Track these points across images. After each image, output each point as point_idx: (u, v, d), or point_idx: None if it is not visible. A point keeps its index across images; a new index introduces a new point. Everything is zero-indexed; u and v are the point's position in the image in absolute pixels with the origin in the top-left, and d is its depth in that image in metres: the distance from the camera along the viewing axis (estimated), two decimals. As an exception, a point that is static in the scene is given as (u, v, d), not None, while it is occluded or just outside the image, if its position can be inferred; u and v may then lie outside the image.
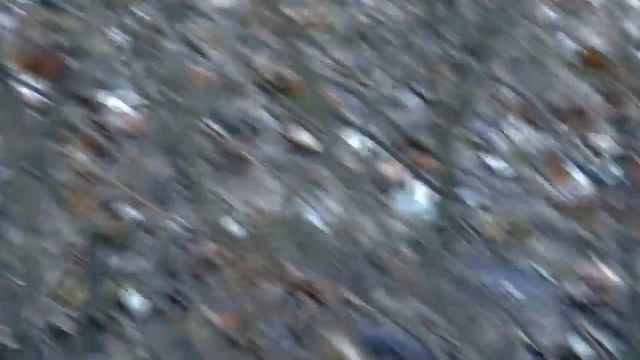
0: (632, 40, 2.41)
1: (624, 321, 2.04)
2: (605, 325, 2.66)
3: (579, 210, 3.13)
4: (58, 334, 2.05)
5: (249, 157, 2.78)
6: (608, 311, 2.63)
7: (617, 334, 2.09)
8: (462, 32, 2.22)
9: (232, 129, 2.96)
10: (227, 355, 2.05)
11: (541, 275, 3.04)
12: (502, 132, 3.30)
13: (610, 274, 2.78)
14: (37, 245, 1.85)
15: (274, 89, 2.81)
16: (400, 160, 2.66)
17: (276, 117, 3.07)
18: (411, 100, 3.04)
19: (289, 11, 2.14)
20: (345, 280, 2.08)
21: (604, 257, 2.86)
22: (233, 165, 2.71)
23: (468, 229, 2.79)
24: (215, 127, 2.75)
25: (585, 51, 3.62)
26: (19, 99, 1.97)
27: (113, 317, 2.14)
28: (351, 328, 2.18)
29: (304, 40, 2.23)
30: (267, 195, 2.47)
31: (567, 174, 3.24)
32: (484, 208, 3.13)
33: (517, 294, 3.02)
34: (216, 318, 2.09)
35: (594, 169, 3.10)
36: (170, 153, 2.16)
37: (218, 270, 2.14)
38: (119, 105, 3.11)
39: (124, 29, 2.33)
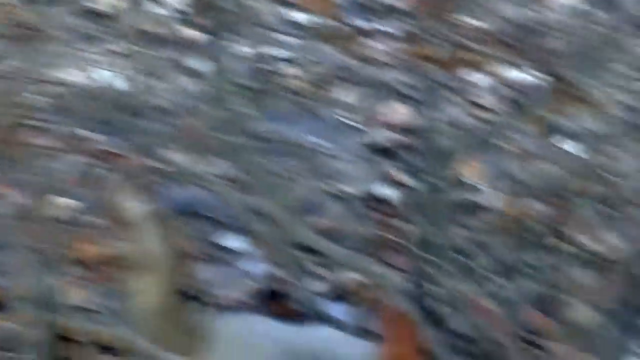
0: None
1: (424, 160, 2.09)
2: (408, 167, 2.77)
3: (378, 59, 3.16)
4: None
5: (44, 26, 2.49)
6: (410, 152, 2.70)
7: (418, 173, 2.15)
8: None
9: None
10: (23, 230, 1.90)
11: (347, 124, 3.06)
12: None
13: (409, 117, 2.86)
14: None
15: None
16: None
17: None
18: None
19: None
20: (143, 145, 1.98)
21: (405, 101, 2.93)
22: (27, 35, 2.44)
23: (274, 84, 2.73)
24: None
25: None
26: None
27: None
28: (153, 192, 2.09)
29: None
30: (65, 65, 2.32)
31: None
32: (289, 61, 3.06)
33: (324, 144, 3.05)
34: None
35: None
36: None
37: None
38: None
39: None
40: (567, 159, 2.90)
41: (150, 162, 2.05)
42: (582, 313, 2.40)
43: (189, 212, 2.76)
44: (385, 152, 3.21)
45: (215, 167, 3.10)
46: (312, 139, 3.31)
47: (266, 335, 1.82)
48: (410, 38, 2.97)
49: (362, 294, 2.27)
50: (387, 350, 1.78)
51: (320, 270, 2.59)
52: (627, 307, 2.22)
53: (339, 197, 2.54)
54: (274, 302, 2.35)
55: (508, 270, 2.17)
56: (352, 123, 3.10)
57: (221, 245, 2.66)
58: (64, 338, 1.79)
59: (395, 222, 2.69)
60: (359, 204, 2.94)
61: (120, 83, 2.16)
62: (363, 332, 2.24)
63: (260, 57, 2.91)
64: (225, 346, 1.75)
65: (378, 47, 3.27)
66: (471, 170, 3.17)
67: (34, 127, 1.96)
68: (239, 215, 2.13)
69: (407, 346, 1.75)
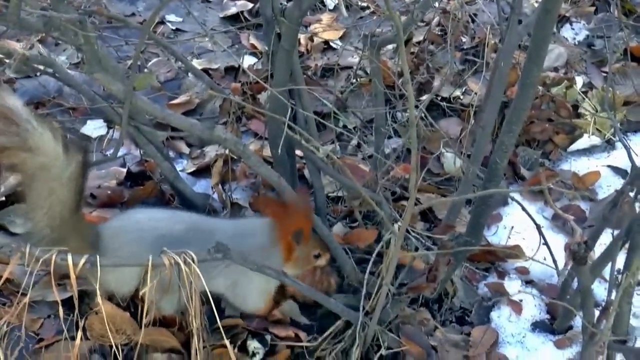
0: None
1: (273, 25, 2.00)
2: (260, 32, 2.66)
3: None
4: None
5: None
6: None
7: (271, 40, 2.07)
8: None
9: None
10: None
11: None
12: None
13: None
14: None
15: None
16: None
17: None
18: None
19: None
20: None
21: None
22: None
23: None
24: None
25: None
26: None
27: None
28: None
29: None
30: None
31: None
32: None
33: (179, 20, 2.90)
34: None
35: None
36: None
37: None
38: None
39: None
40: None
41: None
42: (448, 161, 2.48)
43: (43, 101, 2.63)
44: (237, 18, 3.14)
45: (63, 53, 2.96)
46: (170, 17, 3.18)
47: (145, 223, 1.82)
48: None
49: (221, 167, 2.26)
50: (281, 218, 1.81)
51: (183, 148, 2.54)
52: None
53: (199, 73, 2.45)
54: (141, 184, 2.30)
55: (374, 128, 2.18)
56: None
57: (83, 134, 2.56)
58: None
59: (253, 90, 2.64)
60: (218, 76, 2.87)
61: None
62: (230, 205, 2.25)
63: None
64: (110, 240, 1.76)
65: None
66: (332, 34, 3.13)
67: None
68: (94, 101, 2.01)
69: (300, 213, 1.81)
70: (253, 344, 1.89)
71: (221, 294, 1.88)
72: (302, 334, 1.92)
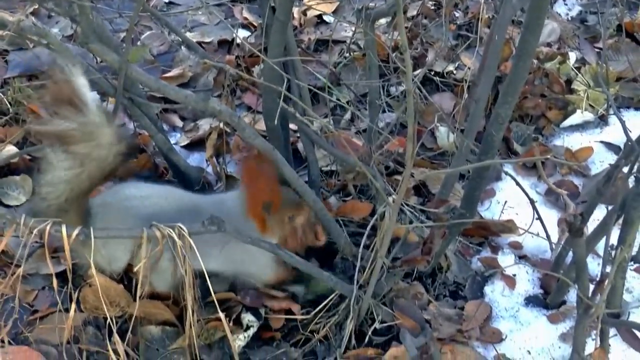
0: None
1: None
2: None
3: None
4: None
5: None
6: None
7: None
8: None
9: None
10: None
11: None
12: None
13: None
14: None
15: None
16: None
17: None
18: None
19: None
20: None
21: None
22: None
23: None
24: None
25: None
26: None
27: None
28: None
29: None
30: None
31: None
32: None
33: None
34: None
35: None
36: None
37: None
38: None
39: None
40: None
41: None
42: (442, 136, 2.48)
43: (37, 73, 2.61)
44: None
45: (56, 25, 2.93)
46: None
47: (137, 198, 1.82)
48: None
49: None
50: (248, 192, 1.81)
51: (177, 121, 2.53)
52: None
53: (193, 45, 2.44)
54: (135, 156, 2.29)
55: (368, 101, 2.17)
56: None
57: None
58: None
59: (247, 63, 2.63)
60: (211, 49, 2.85)
61: None
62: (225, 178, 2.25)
63: None
64: (103, 214, 1.76)
65: None
66: (326, 7, 3.11)
67: None
68: (87, 72, 1.99)
69: (266, 185, 1.80)
70: (247, 317, 1.90)
71: (227, 273, 1.88)
72: (296, 307, 1.93)
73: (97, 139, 1.59)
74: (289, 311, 1.92)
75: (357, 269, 1.81)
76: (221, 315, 1.67)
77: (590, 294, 1.59)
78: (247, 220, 1.80)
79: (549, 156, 1.51)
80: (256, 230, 1.81)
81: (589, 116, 2.60)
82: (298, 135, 2.28)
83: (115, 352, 1.65)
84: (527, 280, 2.07)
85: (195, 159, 2.38)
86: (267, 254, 1.81)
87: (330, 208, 2.16)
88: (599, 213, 1.87)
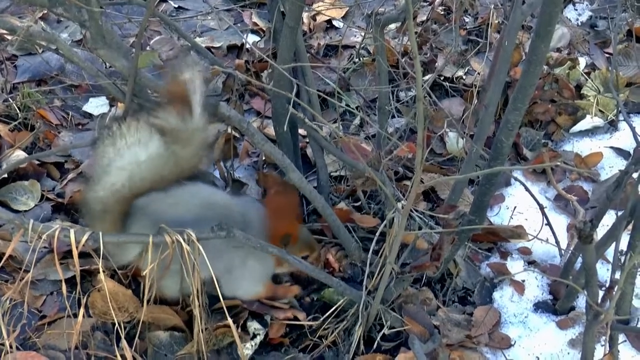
0: None
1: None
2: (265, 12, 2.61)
3: None
4: None
5: None
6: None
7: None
8: None
9: None
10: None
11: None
12: None
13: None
14: None
15: None
16: None
17: None
18: None
19: None
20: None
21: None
22: None
23: None
24: None
25: None
26: None
27: None
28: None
29: None
30: None
31: None
32: None
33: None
34: None
35: None
36: None
37: None
38: None
39: None
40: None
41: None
42: (451, 141, 2.47)
43: (45, 78, 2.62)
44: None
45: (65, 30, 2.94)
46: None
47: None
48: None
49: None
50: (271, 223, 1.83)
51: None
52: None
53: (202, 50, 2.44)
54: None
55: (377, 107, 2.17)
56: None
57: (84, 111, 2.56)
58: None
59: (256, 68, 2.63)
60: (220, 54, 2.85)
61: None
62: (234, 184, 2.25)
63: None
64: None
65: None
66: (335, 12, 3.11)
67: None
68: (97, 78, 1.99)
69: (288, 219, 1.83)
70: (253, 325, 1.89)
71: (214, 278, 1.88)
72: (302, 315, 1.93)
73: (192, 143, 1.61)
74: (295, 318, 1.92)
75: (366, 275, 1.81)
76: (230, 321, 1.66)
77: (599, 300, 1.58)
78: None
79: (558, 163, 1.50)
80: (272, 261, 1.85)
81: (598, 122, 2.59)
82: (307, 140, 2.28)
83: (123, 357, 1.65)
84: (536, 286, 2.06)
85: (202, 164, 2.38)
86: (258, 269, 1.83)
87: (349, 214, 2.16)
88: (609, 219, 1.86)
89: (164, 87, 1.64)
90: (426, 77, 2.58)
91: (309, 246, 1.91)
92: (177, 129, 1.58)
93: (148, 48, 2.84)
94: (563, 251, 2.10)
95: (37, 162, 2.26)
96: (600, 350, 1.71)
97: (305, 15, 2.99)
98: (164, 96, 1.61)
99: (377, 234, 1.80)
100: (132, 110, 1.82)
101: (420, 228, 1.98)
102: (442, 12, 2.99)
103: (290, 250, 1.82)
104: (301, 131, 2.27)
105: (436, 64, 2.74)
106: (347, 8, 3.12)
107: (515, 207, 2.22)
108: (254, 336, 1.88)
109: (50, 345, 1.79)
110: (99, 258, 1.53)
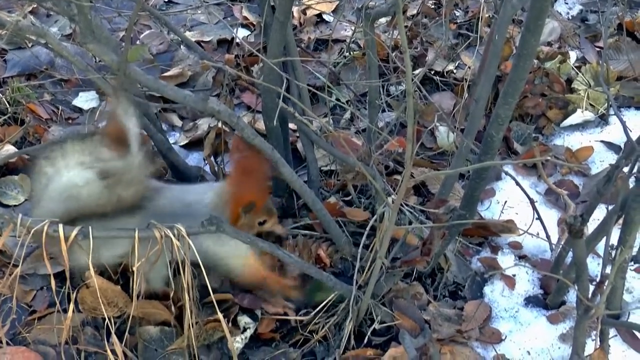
0: None
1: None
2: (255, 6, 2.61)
3: None
4: None
5: None
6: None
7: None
8: None
9: None
10: None
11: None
12: None
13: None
14: None
15: None
16: None
17: None
18: None
19: None
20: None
21: None
22: None
23: None
24: None
25: None
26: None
27: None
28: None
29: None
30: None
31: None
32: None
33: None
34: None
35: None
36: None
37: None
38: None
39: None
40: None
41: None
42: (442, 135, 2.47)
43: (35, 72, 2.61)
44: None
45: (54, 24, 2.93)
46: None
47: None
48: None
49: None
50: (237, 187, 1.80)
51: (175, 121, 2.52)
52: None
53: (192, 44, 2.44)
54: None
55: (367, 101, 2.16)
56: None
57: (74, 106, 2.55)
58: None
59: (246, 62, 2.62)
60: (210, 49, 2.84)
61: None
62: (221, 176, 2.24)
63: None
64: None
65: None
66: (326, 6, 3.10)
67: None
68: (86, 72, 1.98)
69: (256, 186, 1.80)
70: (244, 320, 1.89)
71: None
72: (292, 311, 1.92)
73: (133, 182, 1.64)
74: (285, 314, 1.92)
75: (356, 269, 1.81)
76: (220, 316, 1.66)
77: (590, 295, 1.59)
78: (214, 211, 1.74)
79: (549, 157, 1.50)
80: None
81: (589, 115, 2.59)
82: (297, 134, 2.27)
83: (114, 352, 1.65)
84: (527, 281, 2.06)
85: (194, 159, 2.38)
86: (233, 249, 1.80)
87: (336, 208, 2.15)
88: (599, 213, 1.87)
89: (102, 130, 1.68)
90: (416, 71, 2.58)
91: (268, 211, 1.87)
92: (119, 170, 1.62)
93: (138, 42, 2.82)
94: (554, 245, 2.11)
95: (27, 157, 2.24)
96: (591, 345, 1.71)
97: (295, 9, 2.98)
98: (103, 139, 1.64)
99: (368, 228, 1.79)
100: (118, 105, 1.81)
101: (410, 222, 1.98)
102: (433, 6, 2.99)
103: (249, 217, 1.80)
104: (291, 125, 2.26)
105: (426, 58, 2.74)
106: (337, 2, 3.12)
107: (505, 202, 2.22)
108: (244, 330, 1.87)
109: (40, 340, 1.78)
110: (88, 255, 1.53)
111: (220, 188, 1.80)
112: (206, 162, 2.27)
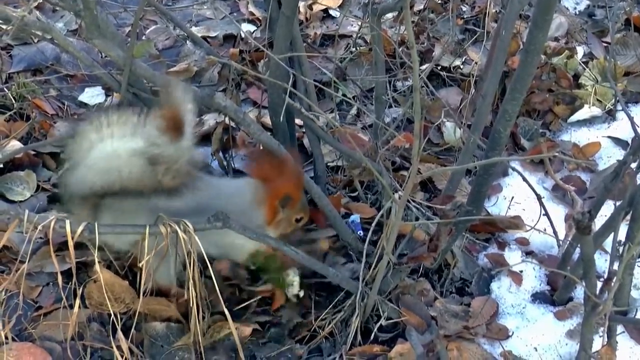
0: None
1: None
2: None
3: None
4: None
5: None
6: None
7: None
8: None
9: None
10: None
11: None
12: None
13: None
14: None
15: None
16: None
17: None
18: None
19: None
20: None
21: None
22: None
23: None
24: None
25: None
26: None
27: None
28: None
29: None
30: None
31: None
32: None
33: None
34: None
35: None
36: None
37: None
38: None
39: None
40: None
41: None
42: (448, 131, 2.47)
43: (41, 68, 2.61)
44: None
45: (60, 20, 2.93)
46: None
47: None
48: None
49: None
50: (273, 181, 1.81)
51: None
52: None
53: (198, 40, 2.43)
54: None
55: (374, 97, 2.16)
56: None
57: (80, 101, 2.56)
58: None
59: (252, 58, 2.62)
60: (216, 44, 2.84)
61: None
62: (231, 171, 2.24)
63: None
64: None
65: None
66: (332, 2, 3.10)
67: None
68: (92, 68, 1.98)
69: (293, 181, 1.80)
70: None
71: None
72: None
73: (179, 168, 1.61)
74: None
75: (362, 266, 1.80)
76: (225, 310, 1.66)
77: (597, 291, 1.58)
78: (253, 207, 1.78)
79: (556, 153, 1.50)
80: (261, 219, 1.80)
81: (596, 111, 2.58)
82: (304, 130, 2.27)
83: (119, 348, 1.65)
84: (534, 277, 2.05)
85: (200, 154, 2.36)
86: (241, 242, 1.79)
87: (339, 201, 2.15)
88: (607, 209, 1.86)
89: (159, 112, 1.62)
90: (423, 67, 2.57)
91: (304, 210, 1.88)
92: (170, 158, 1.59)
93: (144, 37, 2.82)
94: (561, 242, 2.10)
95: (32, 153, 2.25)
96: (598, 342, 1.70)
97: (301, 4, 2.98)
98: (157, 121, 1.60)
99: (374, 224, 1.79)
100: (127, 99, 1.81)
101: (417, 219, 1.97)
102: (439, 1, 2.98)
103: (287, 212, 1.81)
104: (298, 121, 2.26)
105: (433, 53, 2.73)
106: (344, -3, 3.11)
107: (512, 198, 2.21)
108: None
109: (46, 337, 1.78)
110: (95, 248, 1.53)
111: (254, 184, 1.80)
112: (214, 157, 2.27)
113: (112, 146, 1.61)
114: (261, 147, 1.93)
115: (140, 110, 1.62)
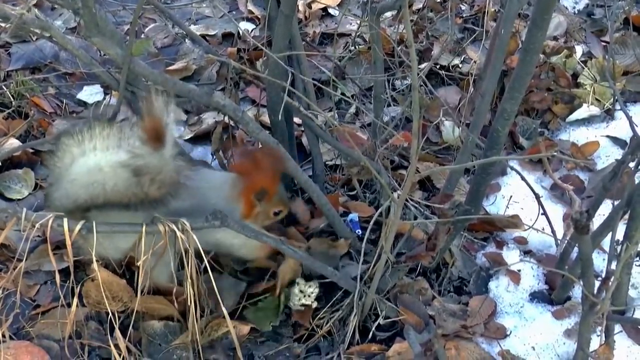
0: None
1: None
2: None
3: None
4: None
5: None
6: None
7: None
8: None
9: None
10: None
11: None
12: None
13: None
14: None
15: None
16: None
17: None
18: None
19: None
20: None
21: None
22: None
23: None
24: None
25: None
26: None
27: None
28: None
29: None
30: None
31: None
32: None
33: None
34: None
35: None
36: None
37: None
38: None
39: None
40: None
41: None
42: (447, 130, 2.47)
43: (39, 66, 2.61)
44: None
45: (59, 18, 2.93)
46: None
47: None
48: None
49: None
50: (249, 176, 1.80)
51: (180, 115, 2.52)
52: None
53: (197, 38, 2.43)
54: None
55: (373, 95, 2.15)
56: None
57: (79, 99, 2.55)
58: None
59: (251, 56, 2.61)
60: (215, 42, 2.83)
61: None
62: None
63: None
64: None
65: None
66: (331, 0, 3.09)
67: None
68: (91, 66, 1.97)
69: (268, 174, 1.80)
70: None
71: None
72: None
73: (163, 178, 1.60)
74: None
75: (360, 264, 1.80)
76: (224, 310, 1.66)
77: (595, 291, 1.58)
78: (230, 202, 1.77)
79: (555, 152, 1.49)
80: (238, 213, 1.79)
81: (595, 110, 2.58)
82: (302, 129, 2.27)
83: (117, 347, 1.65)
84: (532, 276, 2.05)
85: (199, 153, 2.37)
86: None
87: (337, 199, 2.14)
88: (605, 208, 1.86)
89: (138, 122, 1.61)
90: (422, 66, 2.57)
91: (283, 203, 1.88)
92: (154, 169, 1.58)
93: (142, 36, 2.82)
94: (559, 241, 2.10)
95: (31, 151, 2.25)
96: (596, 341, 1.71)
97: (300, 3, 2.97)
98: (138, 132, 1.58)
99: (372, 223, 1.79)
100: (125, 98, 1.81)
101: (415, 217, 1.97)
102: (438, 0, 2.98)
103: (265, 206, 1.81)
104: (296, 120, 2.25)
105: (432, 52, 2.73)
106: (343, -4, 3.11)
107: (511, 197, 2.21)
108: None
109: (44, 335, 1.78)
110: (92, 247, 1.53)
111: (233, 179, 1.80)
112: (214, 156, 2.26)
113: (95, 159, 1.61)
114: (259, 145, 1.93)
115: (124, 120, 1.62)
